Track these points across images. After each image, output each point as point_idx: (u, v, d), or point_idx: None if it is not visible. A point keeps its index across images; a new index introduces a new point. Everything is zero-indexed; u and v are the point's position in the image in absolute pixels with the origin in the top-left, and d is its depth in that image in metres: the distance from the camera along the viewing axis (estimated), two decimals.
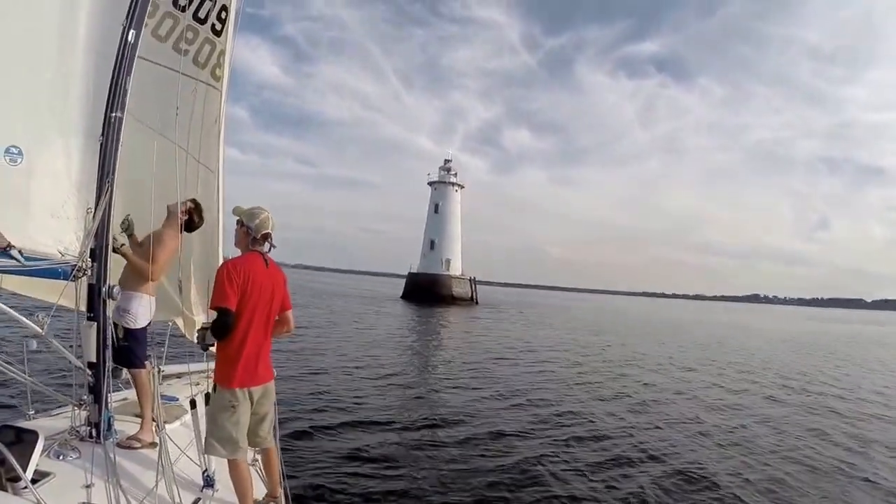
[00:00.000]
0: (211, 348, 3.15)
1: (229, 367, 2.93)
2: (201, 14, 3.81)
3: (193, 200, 3.76)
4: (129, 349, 3.46)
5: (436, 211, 60.41)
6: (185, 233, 3.74)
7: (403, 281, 61.67)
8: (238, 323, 2.87)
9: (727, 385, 14.27)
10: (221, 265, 3.01)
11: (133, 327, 3.45)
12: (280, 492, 3.26)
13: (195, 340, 3.79)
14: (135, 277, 3.45)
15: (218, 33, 3.98)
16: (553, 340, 23.14)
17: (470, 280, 59.46)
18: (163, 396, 3.60)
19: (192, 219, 3.75)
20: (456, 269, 58.81)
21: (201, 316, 4.49)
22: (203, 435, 3.01)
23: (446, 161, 62.75)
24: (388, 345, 17.77)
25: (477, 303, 57.63)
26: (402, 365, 13.89)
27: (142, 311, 3.48)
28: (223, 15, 3.95)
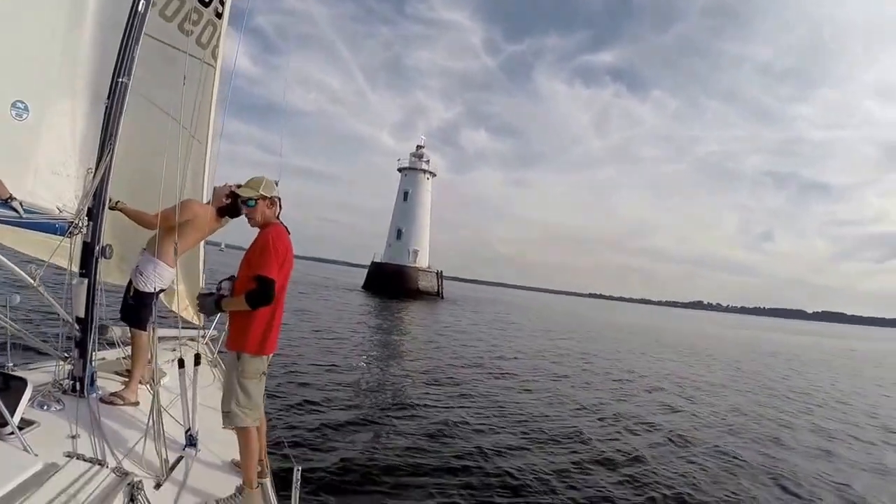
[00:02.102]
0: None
1: (262, 335, 2.93)
2: None
3: (240, 185, 3.79)
4: (134, 308, 3.55)
5: (405, 199, 57.09)
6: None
7: (361, 270, 58.90)
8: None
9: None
10: (265, 234, 2.99)
11: (142, 289, 3.52)
12: (265, 457, 3.32)
13: (191, 309, 3.72)
14: (158, 243, 3.50)
15: (219, 16, 4.15)
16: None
17: (437, 273, 57.10)
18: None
19: (237, 204, 3.67)
20: (423, 261, 56.08)
21: (181, 286, 4.56)
22: (191, 400, 3.05)
23: (418, 147, 59.52)
24: (347, 349, 14.80)
25: (443, 298, 55.26)
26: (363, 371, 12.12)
27: (154, 276, 3.53)
28: None
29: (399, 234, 56.10)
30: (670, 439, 8.75)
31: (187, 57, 3.53)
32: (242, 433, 2.89)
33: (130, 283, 3.57)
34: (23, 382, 2.54)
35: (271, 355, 3.05)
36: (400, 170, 58.80)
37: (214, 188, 3.80)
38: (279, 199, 3.13)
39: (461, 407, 9.31)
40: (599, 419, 9.68)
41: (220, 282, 3.03)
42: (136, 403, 3.39)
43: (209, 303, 2.99)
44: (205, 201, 4.15)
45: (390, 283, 51.46)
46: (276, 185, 3.16)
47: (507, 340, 22.50)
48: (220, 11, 4.13)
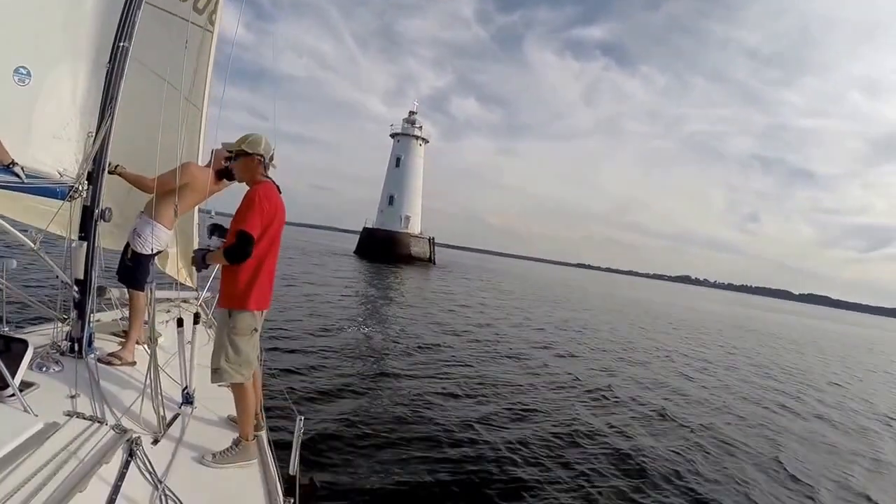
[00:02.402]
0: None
1: (250, 291, 2.95)
2: None
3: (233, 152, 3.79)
4: (131, 270, 3.63)
5: (397, 165, 57.08)
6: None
7: (350, 236, 58.91)
8: (259, 247, 2.90)
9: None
10: (252, 191, 2.97)
11: (139, 251, 3.60)
12: (261, 411, 3.39)
13: (184, 271, 3.71)
14: (156, 206, 3.53)
15: None
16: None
17: (429, 240, 57.36)
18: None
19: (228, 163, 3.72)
20: (415, 226, 56.34)
21: (173, 248, 4.66)
22: (188, 359, 3.11)
23: (411, 113, 59.12)
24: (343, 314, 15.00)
25: (434, 264, 55.67)
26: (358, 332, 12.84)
27: (151, 238, 3.60)
28: None
29: (391, 200, 56.10)
30: (663, 415, 8.86)
31: (189, 24, 3.52)
32: (238, 389, 2.96)
33: (128, 245, 3.63)
34: (24, 344, 2.56)
35: (263, 312, 3.07)
36: (392, 135, 58.42)
37: (214, 151, 3.81)
38: (261, 156, 3.06)
39: (453, 377, 9.42)
40: (590, 391, 9.82)
41: (212, 237, 3.09)
42: (133, 363, 3.47)
43: (198, 257, 3.05)
44: (202, 164, 4.15)
45: (382, 249, 51.58)
46: (269, 146, 3.12)
47: (498, 308, 22.68)
48: None
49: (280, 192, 3.09)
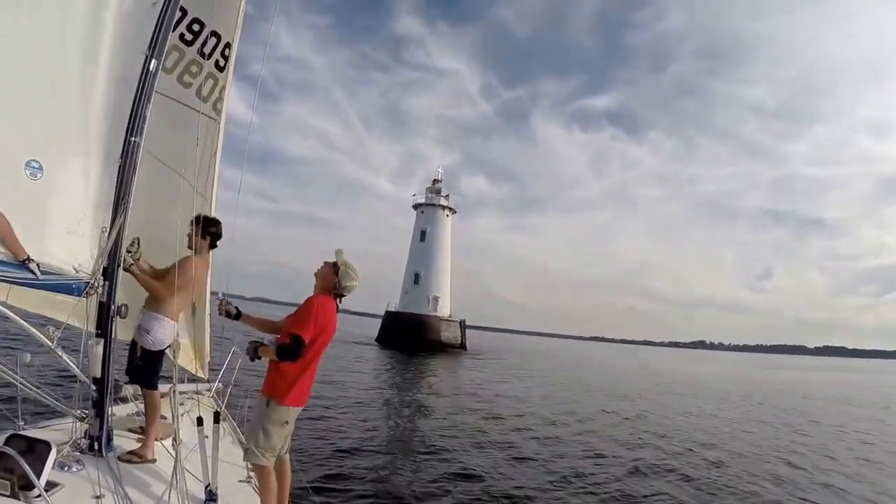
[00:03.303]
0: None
1: (291, 388, 3.20)
2: (206, 50, 4.07)
3: (198, 217, 3.74)
4: (144, 369, 3.59)
5: (422, 238, 50.00)
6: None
7: (367, 320, 53.02)
8: (308, 352, 3.16)
9: None
10: (312, 299, 3.30)
11: (149, 349, 3.57)
12: (287, 501, 3.43)
13: (196, 362, 3.64)
14: (162, 301, 3.56)
15: (221, 69, 4.26)
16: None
17: (460, 323, 49.64)
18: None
19: (208, 233, 3.74)
20: (444, 309, 48.71)
21: (186, 339, 4.55)
22: (210, 456, 3.06)
23: (435, 181, 52.85)
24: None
25: (466, 350, 48.07)
26: None
27: (161, 334, 3.58)
28: (227, 52, 4.25)
29: (416, 278, 48.92)
30: None
31: (200, 116, 3.55)
32: (259, 471, 3.20)
33: (135, 343, 3.61)
34: (47, 446, 2.58)
35: (296, 408, 3.26)
36: (415, 206, 51.57)
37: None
38: (337, 283, 3.29)
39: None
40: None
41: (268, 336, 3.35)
42: (154, 461, 3.42)
43: (250, 349, 3.26)
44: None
45: (408, 335, 44.24)
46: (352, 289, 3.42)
47: (549, 402, 18.75)
48: (222, 65, 4.23)
49: (338, 309, 3.39)
